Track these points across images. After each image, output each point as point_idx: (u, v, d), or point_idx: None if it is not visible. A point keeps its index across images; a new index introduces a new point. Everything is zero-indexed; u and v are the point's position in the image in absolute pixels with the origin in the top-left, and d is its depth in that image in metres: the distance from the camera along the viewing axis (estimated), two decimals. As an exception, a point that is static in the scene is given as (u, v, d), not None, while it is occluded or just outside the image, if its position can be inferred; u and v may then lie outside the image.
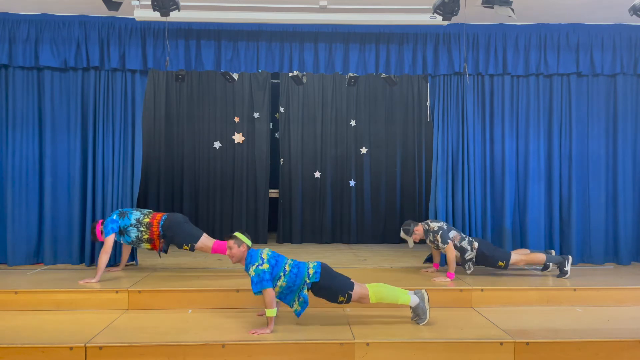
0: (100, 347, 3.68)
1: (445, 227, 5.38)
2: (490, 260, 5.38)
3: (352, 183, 8.05)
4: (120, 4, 4.75)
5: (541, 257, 5.48)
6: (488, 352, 3.82)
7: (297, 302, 4.11)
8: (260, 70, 6.69)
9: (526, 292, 4.96)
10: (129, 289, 4.75)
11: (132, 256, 5.95)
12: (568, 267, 5.41)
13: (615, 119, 6.30)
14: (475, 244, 5.38)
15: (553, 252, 5.63)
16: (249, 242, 4.15)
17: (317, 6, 5.40)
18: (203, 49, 5.94)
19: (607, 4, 5.58)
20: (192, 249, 5.19)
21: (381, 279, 4.72)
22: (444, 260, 5.71)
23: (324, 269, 4.14)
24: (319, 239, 7.99)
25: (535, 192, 6.22)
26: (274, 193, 8.20)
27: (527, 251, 5.61)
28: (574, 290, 4.97)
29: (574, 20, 6.09)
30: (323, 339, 3.85)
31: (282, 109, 8.06)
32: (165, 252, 5.38)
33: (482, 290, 4.91)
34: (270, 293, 3.94)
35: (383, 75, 6.78)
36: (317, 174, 8.06)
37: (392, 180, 8.09)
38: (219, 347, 3.74)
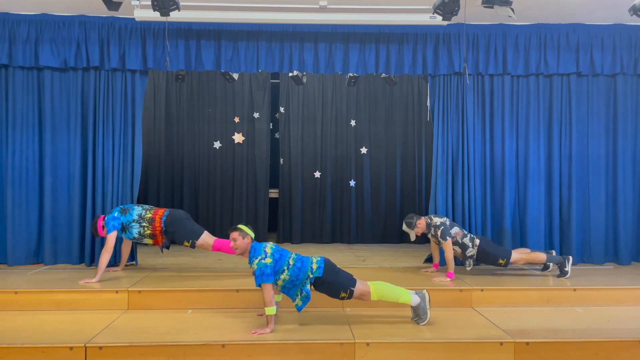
0: (100, 347, 3.68)
1: (447, 223, 5.38)
2: (491, 258, 5.38)
3: (352, 183, 8.05)
4: (120, 4, 4.75)
5: (542, 256, 5.48)
6: (488, 352, 3.82)
7: (299, 297, 4.11)
8: (260, 70, 6.68)
9: (526, 292, 4.96)
10: (129, 289, 4.75)
11: (132, 256, 5.95)
12: (568, 268, 5.41)
13: (615, 119, 6.30)
14: (477, 241, 5.39)
15: (554, 253, 5.64)
16: (252, 235, 4.15)
17: (317, 6, 5.40)
18: (203, 49, 5.94)
19: (607, 4, 5.58)
20: (192, 246, 5.19)
21: (381, 279, 4.70)
22: (444, 261, 5.71)
23: (327, 264, 4.14)
24: (319, 239, 7.99)
25: (535, 192, 6.22)
26: (274, 193, 8.20)
27: (527, 250, 5.62)
28: (574, 290, 4.97)
29: (574, 20, 6.09)
30: (323, 339, 3.85)
31: (282, 109, 8.06)
32: (168, 247, 5.38)
33: (482, 290, 4.91)
34: (269, 289, 3.93)
35: (383, 75, 6.78)
36: (317, 174, 8.06)
37: (392, 180, 8.09)
38: (219, 347, 3.74)
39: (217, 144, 7.99)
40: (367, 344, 3.80)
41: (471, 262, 5.41)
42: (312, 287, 4.13)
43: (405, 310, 4.44)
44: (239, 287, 4.81)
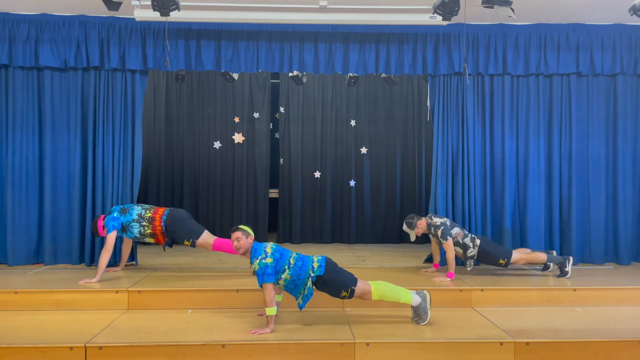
0: (100, 347, 3.68)
1: (448, 223, 5.38)
2: (492, 258, 5.38)
3: (352, 183, 8.05)
4: (120, 4, 4.75)
5: (542, 256, 5.48)
6: (488, 352, 3.82)
7: (301, 296, 4.11)
8: (260, 70, 6.68)
9: (526, 292, 4.96)
10: (129, 289, 4.75)
11: (132, 256, 5.95)
12: (569, 268, 5.41)
13: (615, 119, 6.30)
14: (477, 241, 5.39)
15: (554, 253, 5.64)
16: (252, 235, 4.16)
17: (317, 6, 5.40)
18: (203, 49, 5.94)
19: (607, 4, 5.58)
20: (193, 245, 5.19)
21: (381, 279, 4.70)
22: (444, 261, 5.71)
23: (329, 263, 4.14)
24: (319, 239, 7.99)
25: (535, 192, 6.22)
26: (274, 193, 8.20)
27: (528, 250, 5.61)
28: (574, 290, 4.97)
29: (574, 20, 6.09)
30: (323, 339, 3.85)
31: (282, 109, 8.06)
32: (170, 245, 5.39)
33: (482, 290, 4.91)
34: (270, 288, 3.93)
35: (383, 75, 6.77)
36: (317, 174, 8.06)
37: (392, 180, 8.09)
38: (219, 347, 3.74)
39: (217, 144, 7.99)
40: (367, 344, 3.80)
41: (472, 263, 5.41)
42: (314, 286, 4.13)
43: (406, 310, 4.44)
44: (239, 287, 4.81)
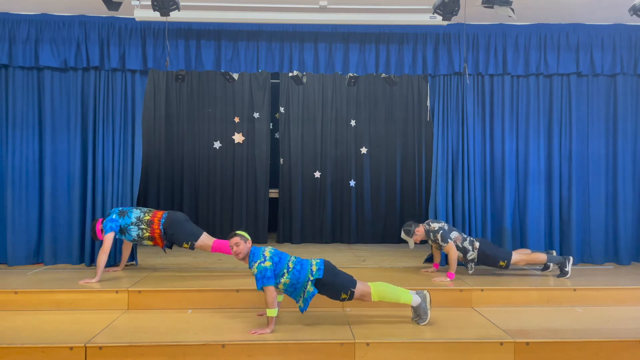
0: (100, 347, 3.68)
1: (446, 227, 5.38)
2: (492, 260, 5.38)
3: (352, 183, 8.05)
4: (120, 4, 4.75)
5: (542, 257, 5.48)
6: (488, 352, 3.82)
7: (301, 299, 4.11)
8: (260, 70, 6.69)
9: (526, 292, 4.96)
10: (129, 289, 4.75)
11: (132, 256, 5.95)
12: (569, 268, 5.41)
13: (615, 119, 6.30)
14: (477, 244, 5.39)
15: (554, 253, 5.63)
16: (250, 240, 4.17)
17: (317, 6, 5.40)
18: (203, 49, 5.94)
19: (607, 4, 5.58)
20: (192, 248, 5.20)
21: (381, 279, 4.71)
22: (444, 261, 5.71)
23: (327, 266, 4.14)
24: (319, 239, 7.99)
25: (535, 192, 6.22)
26: (274, 193, 8.20)
27: (528, 251, 5.61)
28: (574, 290, 4.97)
29: (574, 20, 6.09)
30: (323, 339, 3.85)
31: (282, 109, 8.06)
32: (170, 247, 5.40)
33: (482, 290, 4.91)
34: (271, 291, 3.94)
35: (383, 75, 6.77)
36: (317, 174, 8.06)
37: (392, 180, 8.09)
38: (219, 347, 3.74)
39: (217, 144, 7.99)
40: (367, 344, 3.80)
41: (473, 266, 5.40)
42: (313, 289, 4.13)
43: (406, 310, 4.44)
44: (239, 287, 4.81)
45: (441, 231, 5.32)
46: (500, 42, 6.16)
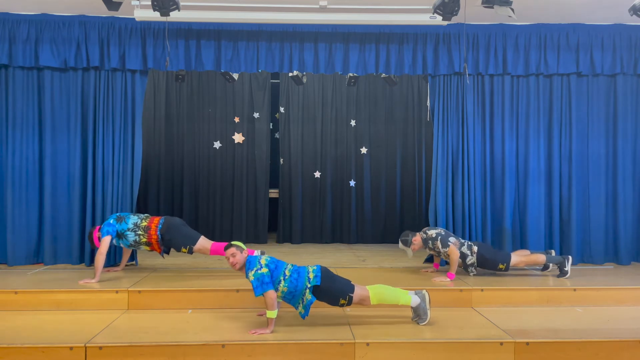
0: (100, 347, 3.68)
1: (443, 232, 5.37)
2: (491, 263, 5.36)
3: (352, 183, 8.05)
4: (120, 4, 4.75)
5: (541, 257, 5.48)
6: (488, 352, 3.82)
7: (301, 305, 4.12)
8: (260, 70, 6.68)
9: (526, 292, 4.96)
10: (129, 289, 4.75)
11: (132, 256, 5.95)
12: (568, 267, 5.41)
13: (615, 119, 6.30)
14: (475, 248, 5.37)
15: (553, 253, 5.63)
16: (246, 249, 4.21)
17: (317, 6, 5.40)
18: (203, 49, 5.94)
19: (607, 4, 5.58)
20: (190, 252, 5.19)
21: (381, 279, 4.72)
22: (444, 261, 5.70)
23: (324, 272, 4.14)
24: (319, 239, 7.99)
25: (535, 192, 6.22)
26: (274, 193, 8.20)
27: (527, 252, 5.61)
28: (574, 290, 4.97)
29: (574, 20, 6.09)
30: (323, 339, 3.85)
31: (282, 109, 8.06)
32: (167, 253, 5.39)
33: (482, 290, 4.91)
34: (271, 295, 3.94)
35: (383, 75, 6.77)
36: (317, 174, 8.06)
37: (392, 180, 8.09)
38: (219, 347, 3.74)
39: (217, 144, 7.99)
40: (367, 344, 3.80)
41: (473, 270, 5.40)
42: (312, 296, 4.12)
43: (405, 310, 4.44)
44: (239, 287, 4.81)
45: (439, 237, 5.31)
46: (500, 42, 6.16)
